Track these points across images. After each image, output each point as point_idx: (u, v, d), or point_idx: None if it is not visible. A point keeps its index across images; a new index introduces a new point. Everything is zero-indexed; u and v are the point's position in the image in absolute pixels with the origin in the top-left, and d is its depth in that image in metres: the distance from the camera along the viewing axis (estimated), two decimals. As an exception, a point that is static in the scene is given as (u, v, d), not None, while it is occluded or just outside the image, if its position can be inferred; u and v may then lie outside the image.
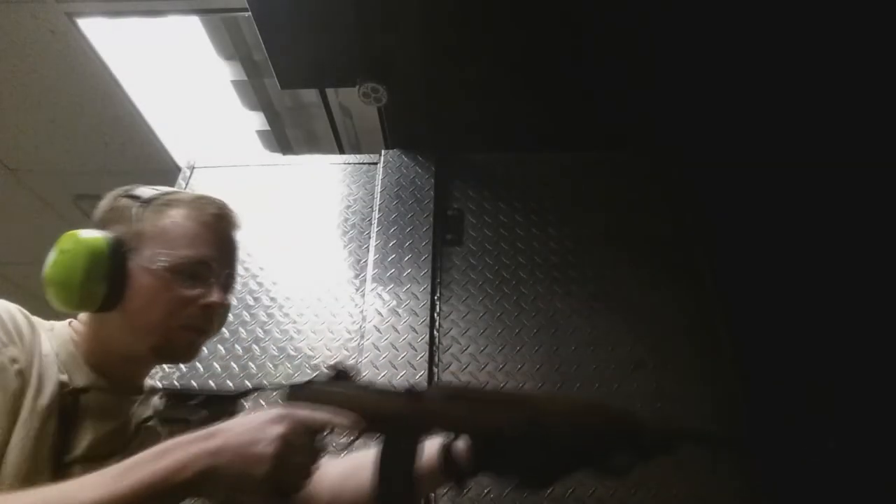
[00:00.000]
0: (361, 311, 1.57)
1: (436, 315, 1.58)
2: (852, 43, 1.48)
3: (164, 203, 0.89)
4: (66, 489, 0.63)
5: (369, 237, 1.73)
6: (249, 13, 1.51)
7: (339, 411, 0.77)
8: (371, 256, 1.67)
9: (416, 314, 1.56)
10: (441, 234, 1.73)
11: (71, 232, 0.84)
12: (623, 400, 1.44)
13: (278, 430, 0.69)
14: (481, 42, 1.63)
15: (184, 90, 2.24)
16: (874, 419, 1.40)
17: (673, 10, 1.48)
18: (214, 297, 0.86)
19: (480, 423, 0.78)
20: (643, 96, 1.72)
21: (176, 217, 0.87)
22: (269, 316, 1.58)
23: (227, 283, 0.91)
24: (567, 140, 1.85)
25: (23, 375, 0.75)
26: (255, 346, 1.52)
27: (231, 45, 2.06)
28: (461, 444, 0.86)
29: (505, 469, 0.79)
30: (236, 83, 2.20)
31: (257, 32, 1.55)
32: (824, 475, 1.29)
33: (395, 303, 1.58)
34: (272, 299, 1.61)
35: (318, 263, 1.69)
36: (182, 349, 0.87)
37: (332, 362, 0.84)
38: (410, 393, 0.80)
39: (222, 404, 0.83)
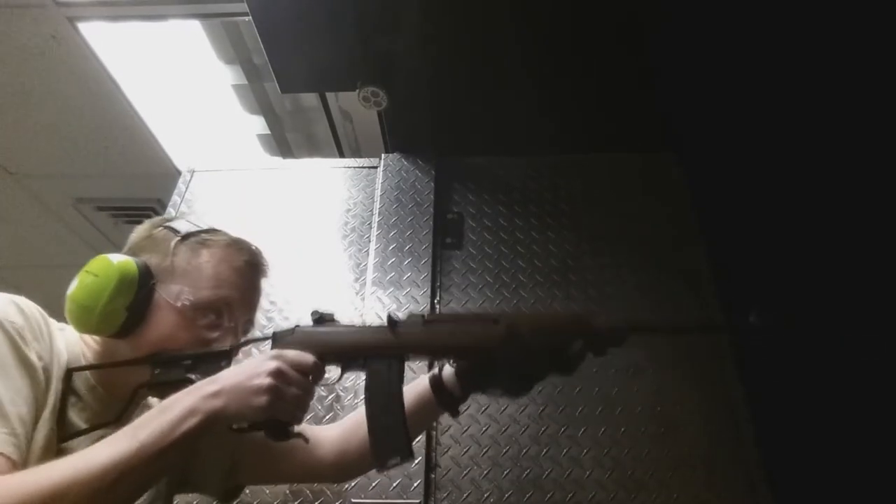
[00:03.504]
0: (361, 315, 1.57)
1: (436, 318, 1.58)
2: (850, 42, 1.49)
3: (201, 242, 0.90)
4: (84, 454, 0.67)
5: (369, 241, 1.73)
6: (250, 17, 1.52)
7: (324, 350, 0.83)
8: (371, 260, 1.67)
9: (415, 317, 1.55)
10: (441, 237, 1.73)
11: (102, 256, 0.85)
12: (624, 403, 1.44)
13: (271, 365, 0.76)
14: (481, 46, 1.63)
15: (184, 94, 2.25)
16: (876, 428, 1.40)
17: (674, 11, 1.49)
18: (229, 342, 0.88)
19: (461, 341, 0.86)
20: (643, 98, 1.72)
21: (209, 258, 0.89)
22: (269, 320, 1.58)
23: (245, 330, 0.93)
24: (566, 143, 1.85)
25: (47, 372, 0.77)
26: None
27: (231, 48, 2.06)
28: (448, 372, 0.94)
29: (489, 382, 0.88)
30: (237, 87, 2.21)
31: (258, 36, 1.55)
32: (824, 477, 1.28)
33: (394, 306, 1.58)
34: (272, 303, 1.61)
35: (318, 267, 1.69)
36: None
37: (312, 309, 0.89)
38: (388, 324, 0.86)
39: (214, 361, 0.85)
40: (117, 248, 0.91)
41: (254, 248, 0.96)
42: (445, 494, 1.34)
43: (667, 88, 1.69)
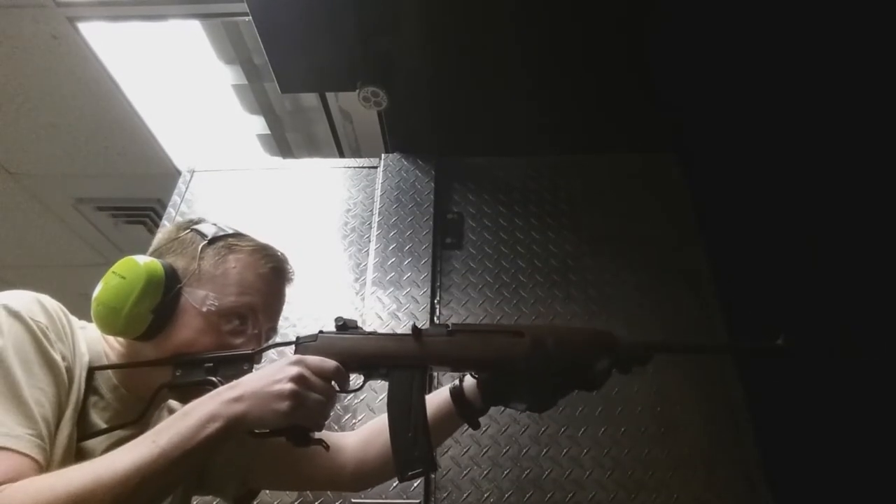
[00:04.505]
0: (361, 315, 1.57)
1: (436, 318, 1.58)
2: (851, 42, 1.49)
3: (227, 247, 0.91)
4: (106, 459, 0.67)
5: (369, 241, 1.73)
6: (250, 17, 1.52)
7: (346, 357, 0.82)
8: (371, 260, 1.67)
9: (415, 317, 1.55)
10: (441, 237, 1.73)
11: (129, 257, 0.85)
12: (624, 403, 1.44)
13: (294, 370, 0.76)
14: (481, 46, 1.63)
15: (184, 94, 2.25)
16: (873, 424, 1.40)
17: (674, 11, 1.49)
18: (252, 348, 0.87)
19: (486, 352, 0.85)
20: (643, 98, 1.72)
21: (235, 264, 0.89)
22: (269, 319, 1.58)
23: (268, 336, 0.93)
24: (566, 143, 1.85)
25: (70, 372, 0.77)
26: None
27: (232, 48, 2.06)
28: (470, 383, 0.93)
29: (512, 396, 0.87)
30: (237, 87, 2.21)
31: (258, 36, 1.55)
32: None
33: (394, 306, 1.58)
34: (272, 303, 1.61)
35: (318, 267, 1.69)
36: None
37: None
38: (412, 332, 0.85)
39: (235, 364, 0.85)
40: (117, 249, 0.91)
41: (279, 254, 0.96)
42: (445, 494, 1.34)
43: (667, 88, 1.69)
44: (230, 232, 0.93)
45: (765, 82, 1.65)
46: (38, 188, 2.67)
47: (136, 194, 2.73)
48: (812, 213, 1.65)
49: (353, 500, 1.29)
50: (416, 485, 1.31)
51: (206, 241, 0.89)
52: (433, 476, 1.36)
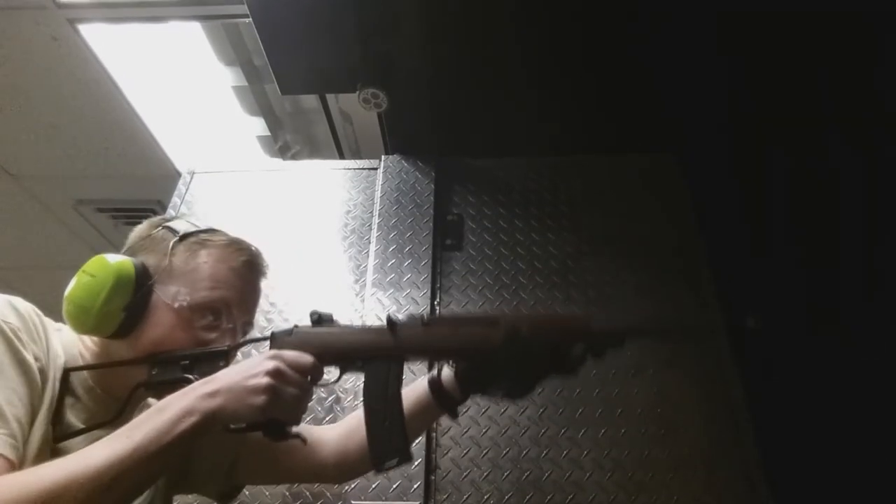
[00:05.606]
0: (361, 316, 1.57)
1: (436, 320, 1.58)
2: (851, 41, 1.49)
3: (199, 242, 0.90)
4: (80, 455, 0.66)
5: (369, 242, 1.73)
6: (250, 19, 1.52)
7: (322, 351, 0.82)
8: (371, 261, 1.67)
9: (415, 319, 1.55)
10: (441, 239, 1.73)
11: (99, 256, 0.85)
12: (624, 404, 1.44)
13: (269, 364, 0.75)
14: (481, 46, 1.64)
15: (184, 95, 2.25)
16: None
17: (674, 11, 1.49)
18: (227, 343, 0.87)
19: (461, 342, 0.85)
20: (643, 98, 1.72)
21: (207, 259, 0.89)
22: (269, 321, 1.58)
23: (244, 331, 0.92)
24: (567, 143, 1.85)
25: (44, 373, 0.77)
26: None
27: (232, 50, 2.06)
28: (447, 374, 0.93)
29: (490, 384, 0.88)
30: (237, 88, 2.21)
31: (258, 38, 1.55)
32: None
33: (395, 308, 1.58)
34: (272, 304, 1.61)
35: (319, 268, 1.69)
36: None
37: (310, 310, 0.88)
38: (387, 325, 0.85)
39: (212, 361, 0.84)
40: (117, 250, 0.91)
41: (253, 248, 0.95)
42: (445, 496, 1.34)
43: (667, 89, 1.69)
44: (202, 228, 0.92)
45: (765, 82, 1.65)
46: (39, 189, 2.68)
47: (136, 196, 2.73)
48: (812, 213, 1.65)
49: (353, 502, 1.29)
50: (415, 486, 1.31)
51: (177, 238, 0.89)
52: (433, 477, 1.36)
